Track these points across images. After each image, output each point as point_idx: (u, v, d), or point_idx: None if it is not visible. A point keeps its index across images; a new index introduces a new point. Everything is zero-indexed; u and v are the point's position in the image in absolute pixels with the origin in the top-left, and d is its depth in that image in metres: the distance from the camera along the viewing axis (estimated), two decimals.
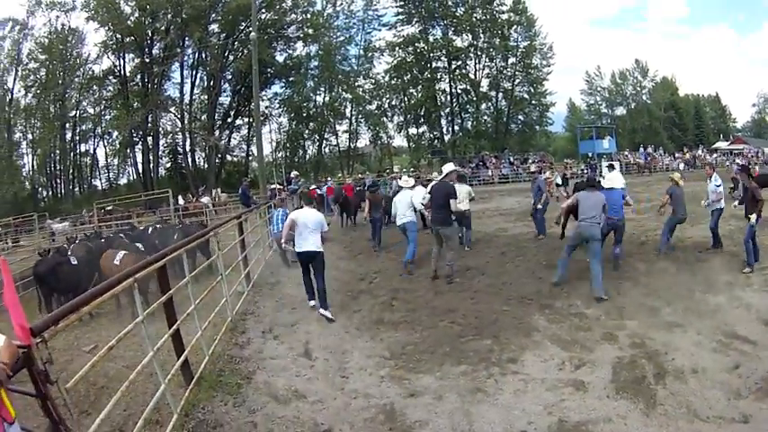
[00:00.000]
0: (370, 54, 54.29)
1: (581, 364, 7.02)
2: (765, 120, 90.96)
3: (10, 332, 3.63)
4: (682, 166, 44.88)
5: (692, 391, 6.34)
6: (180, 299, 7.36)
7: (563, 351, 7.49)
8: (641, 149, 59.74)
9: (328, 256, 14.75)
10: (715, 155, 61.55)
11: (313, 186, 20.81)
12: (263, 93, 48.80)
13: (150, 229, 18.25)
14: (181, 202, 34.44)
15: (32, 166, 49.05)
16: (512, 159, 51.39)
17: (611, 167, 20.55)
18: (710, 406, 5.96)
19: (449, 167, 12.28)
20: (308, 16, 51.80)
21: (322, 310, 9.61)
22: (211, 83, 50.03)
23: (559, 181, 24.17)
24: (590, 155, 52.59)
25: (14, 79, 46.87)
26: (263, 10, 48.16)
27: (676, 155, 60.04)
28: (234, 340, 8.25)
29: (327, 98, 53.56)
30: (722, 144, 75.32)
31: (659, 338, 7.77)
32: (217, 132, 50.69)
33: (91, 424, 4.29)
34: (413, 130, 57.01)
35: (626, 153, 57.48)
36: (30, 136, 48.65)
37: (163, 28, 47.09)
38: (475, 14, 55.17)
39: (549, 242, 15.46)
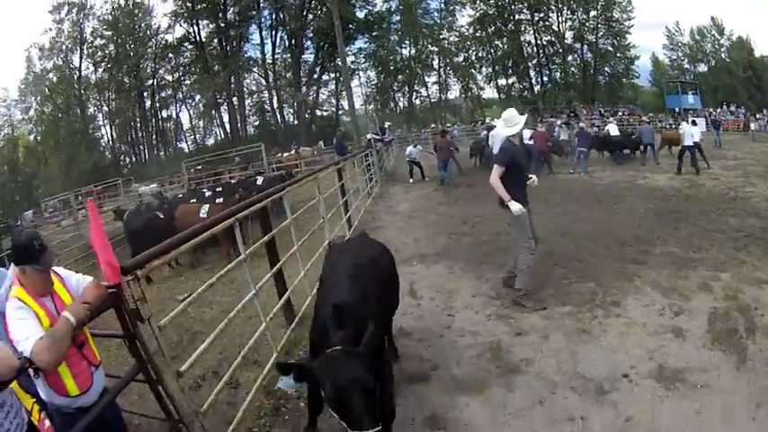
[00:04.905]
0: (451, 7, 53.07)
1: (680, 311, 6.85)
2: None
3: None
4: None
5: None
6: (281, 244, 7.57)
7: (663, 297, 7.28)
8: (724, 107, 57.78)
9: (427, 204, 15.22)
10: None
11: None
12: (348, 48, 48.41)
13: (260, 179, 18.55)
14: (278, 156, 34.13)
15: (111, 135, 50.08)
16: (602, 111, 50.28)
17: (693, 123, 21.08)
18: None
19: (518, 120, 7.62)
20: None
21: None
22: (293, 41, 50.17)
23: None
24: (677, 110, 51.39)
25: (80, 57, 47.76)
26: None
27: (757, 116, 57.80)
28: None
29: (413, 51, 52.92)
30: None
31: (750, 293, 7.48)
32: (304, 89, 50.97)
33: (181, 365, 4.39)
34: (502, 81, 55.53)
35: (711, 110, 55.60)
36: (105, 108, 49.54)
37: None
38: None
39: (640, 191, 15.82)
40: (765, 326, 6.45)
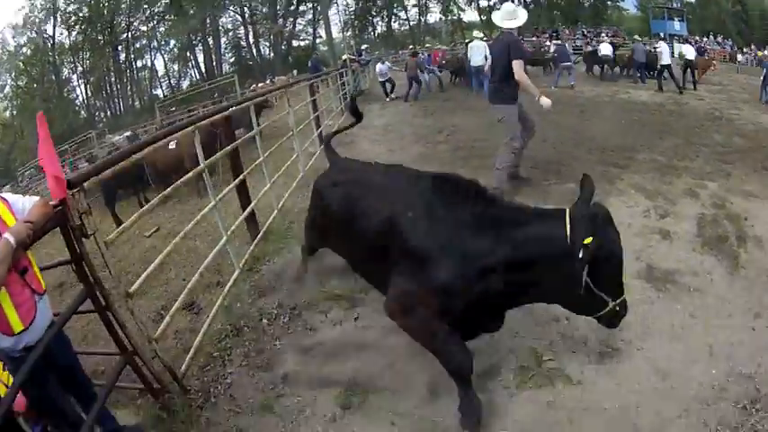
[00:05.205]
0: None
1: (665, 214, 6.74)
2: None
3: None
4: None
5: None
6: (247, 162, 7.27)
7: (647, 200, 7.20)
8: (711, 37, 57.78)
9: (402, 119, 15.59)
10: None
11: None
12: None
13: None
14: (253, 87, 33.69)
15: (86, 94, 49.36)
16: (585, 32, 50.16)
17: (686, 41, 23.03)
18: None
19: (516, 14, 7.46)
20: None
21: None
22: None
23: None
24: (662, 35, 51.13)
25: (54, 26, 47.16)
26: None
27: (744, 50, 57.84)
28: (305, 195, 7.67)
29: None
30: None
31: (738, 204, 7.30)
32: (280, 21, 50.56)
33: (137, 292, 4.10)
34: (483, 2, 53.97)
35: (698, 38, 55.59)
36: (80, 69, 48.86)
37: None
38: None
39: (623, 104, 16.05)
40: (757, 237, 6.31)
